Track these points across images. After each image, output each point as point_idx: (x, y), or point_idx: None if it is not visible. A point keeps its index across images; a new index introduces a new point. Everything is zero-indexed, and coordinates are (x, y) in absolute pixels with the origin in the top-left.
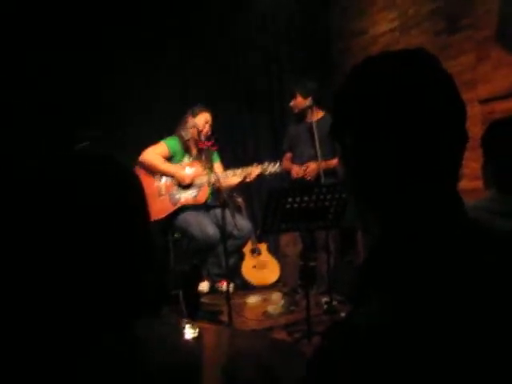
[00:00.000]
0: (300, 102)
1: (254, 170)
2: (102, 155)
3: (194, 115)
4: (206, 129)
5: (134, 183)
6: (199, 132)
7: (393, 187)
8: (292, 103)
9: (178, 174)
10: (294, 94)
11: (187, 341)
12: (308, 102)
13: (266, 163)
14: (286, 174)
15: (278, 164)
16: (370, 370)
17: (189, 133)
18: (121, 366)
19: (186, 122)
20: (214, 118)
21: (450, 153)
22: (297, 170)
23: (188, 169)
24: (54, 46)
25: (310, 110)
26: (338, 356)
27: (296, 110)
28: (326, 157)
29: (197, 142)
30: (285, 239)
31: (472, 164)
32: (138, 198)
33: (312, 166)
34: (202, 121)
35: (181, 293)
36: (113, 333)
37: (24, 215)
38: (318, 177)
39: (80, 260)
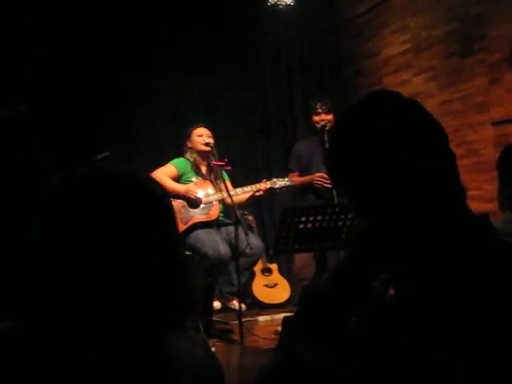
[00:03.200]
0: (332, 118)
1: (263, 186)
2: (137, 174)
3: (189, 134)
4: (204, 141)
5: (166, 206)
6: (204, 147)
7: (407, 209)
8: (324, 118)
9: (189, 193)
10: (329, 110)
11: (212, 355)
12: (334, 119)
13: (275, 179)
14: (296, 189)
15: (287, 178)
16: None
17: (193, 152)
18: (148, 374)
19: (184, 144)
20: (212, 130)
21: (441, 169)
22: (319, 176)
23: (197, 188)
24: (66, 71)
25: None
26: None
27: (327, 127)
28: None
29: (205, 158)
30: (299, 262)
31: (485, 186)
32: (165, 210)
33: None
34: (195, 136)
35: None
36: (142, 342)
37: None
38: (331, 196)
39: (109, 271)
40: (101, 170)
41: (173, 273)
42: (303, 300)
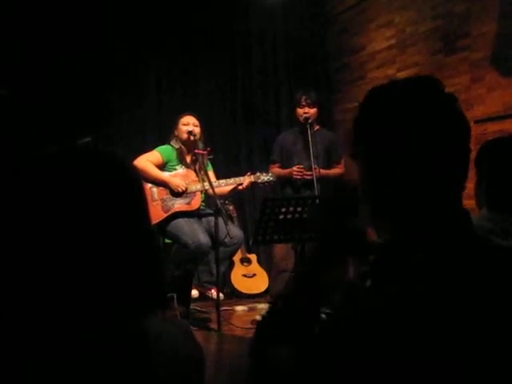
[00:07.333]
0: (316, 112)
1: (246, 179)
2: (105, 151)
3: (177, 123)
4: (189, 129)
5: (136, 180)
6: (189, 136)
7: (402, 194)
8: (308, 111)
9: (172, 182)
10: (313, 103)
11: (193, 338)
12: (317, 113)
13: (258, 173)
14: (278, 181)
15: (270, 173)
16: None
17: (178, 141)
18: (129, 357)
19: (172, 131)
20: (201, 121)
21: (455, 164)
22: (297, 169)
23: (180, 178)
24: (52, 49)
25: (315, 121)
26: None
27: (310, 120)
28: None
29: (191, 148)
30: (279, 253)
31: (466, 184)
32: (139, 193)
33: (309, 172)
34: (181, 124)
35: (175, 297)
36: (120, 327)
37: (27, 208)
38: (311, 186)
39: (82, 254)
40: (64, 149)
41: (142, 250)
42: (273, 301)
